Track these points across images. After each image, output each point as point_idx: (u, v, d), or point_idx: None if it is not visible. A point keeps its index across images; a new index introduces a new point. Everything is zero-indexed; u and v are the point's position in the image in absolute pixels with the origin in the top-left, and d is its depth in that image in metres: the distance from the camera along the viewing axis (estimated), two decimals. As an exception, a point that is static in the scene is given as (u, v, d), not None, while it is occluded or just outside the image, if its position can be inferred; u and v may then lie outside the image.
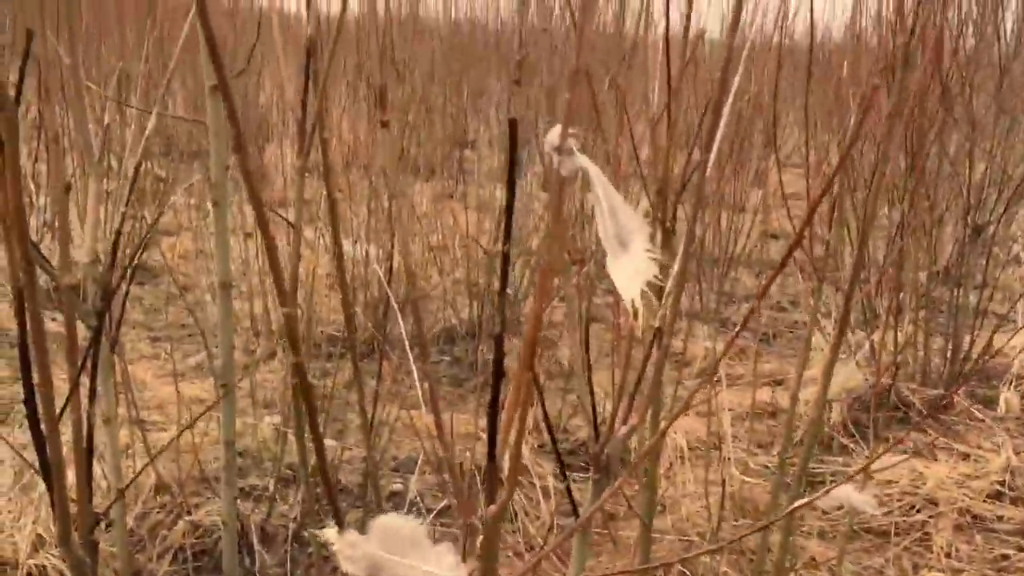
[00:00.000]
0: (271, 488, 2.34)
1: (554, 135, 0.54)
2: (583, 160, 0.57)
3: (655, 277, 0.54)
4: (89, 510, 0.77)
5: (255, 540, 2.18)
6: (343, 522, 0.53)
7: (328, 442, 2.38)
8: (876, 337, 3.10)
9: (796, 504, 0.73)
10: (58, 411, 0.72)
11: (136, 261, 1.21)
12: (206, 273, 3.57)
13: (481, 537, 0.73)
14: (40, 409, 0.66)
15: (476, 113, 5.42)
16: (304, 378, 0.45)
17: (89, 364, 0.91)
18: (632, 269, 0.54)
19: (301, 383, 0.46)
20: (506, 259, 0.63)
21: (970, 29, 3.01)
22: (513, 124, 0.61)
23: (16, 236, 0.60)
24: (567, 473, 1.63)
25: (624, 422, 1.11)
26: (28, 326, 0.62)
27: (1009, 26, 3.20)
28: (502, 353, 0.65)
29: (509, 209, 0.64)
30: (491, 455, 0.66)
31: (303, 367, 0.45)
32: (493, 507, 0.73)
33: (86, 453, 0.77)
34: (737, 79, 1.02)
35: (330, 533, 0.53)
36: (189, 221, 4.21)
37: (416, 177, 4.53)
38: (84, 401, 0.89)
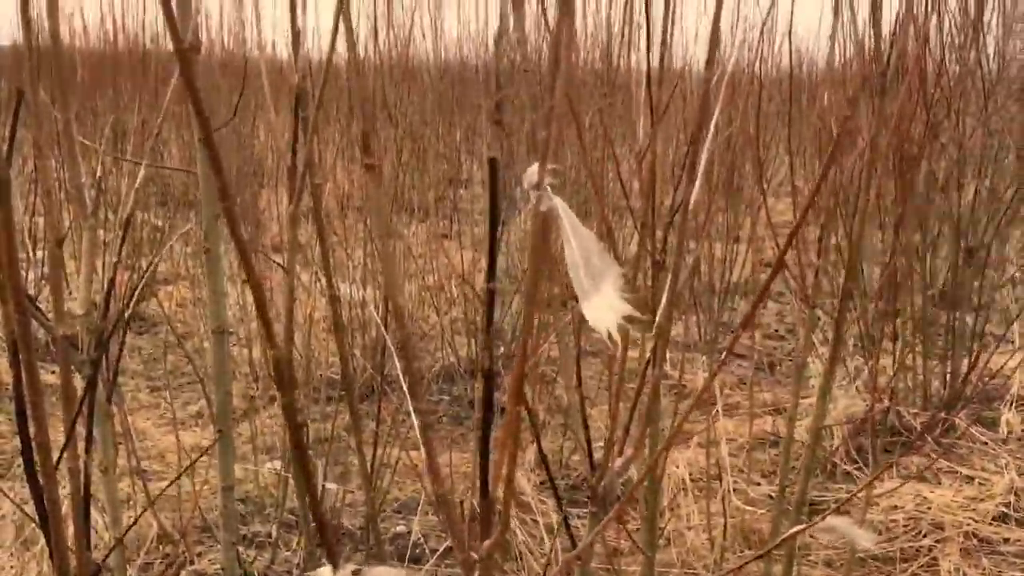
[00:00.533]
0: (274, 534, 2.34)
1: (533, 172, 0.55)
2: (555, 200, 0.58)
3: (627, 316, 0.54)
4: (87, 559, 0.77)
5: (258, 587, 2.17)
6: (338, 562, 0.54)
7: (329, 486, 2.38)
8: (874, 362, 3.10)
9: (791, 532, 0.73)
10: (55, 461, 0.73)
11: (132, 309, 1.22)
12: (204, 321, 3.58)
13: (477, 573, 0.74)
14: (37, 459, 0.66)
15: (469, 152, 5.46)
16: (293, 416, 0.46)
17: (85, 412, 0.91)
18: (605, 307, 0.54)
19: (290, 421, 0.46)
20: (491, 296, 0.64)
21: (953, 56, 3.05)
22: (494, 163, 0.63)
23: (10, 287, 0.61)
24: (566, 508, 1.63)
25: (620, 453, 1.11)
26: (23, 377, 0.63)
27: (991, 50, 3.24)
28: (492, 388, 0.66)
29: (492, 247, 0.65)
30: (483, 490, 0.66)
31: (293, 406, 0.46)
32: (488, 541, 0.74)
33: (83, 502, 0.78)
34: (717, 112, 1.04)
35: (324, 572, 0.53)
36: (186, 269, 4.23)
37: (411, 217, 4.56)
38: (81, 450, 0.90)
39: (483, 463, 0.65)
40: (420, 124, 4.35)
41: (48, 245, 0.79)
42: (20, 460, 2.61)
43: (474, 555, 0.77)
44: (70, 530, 0.85)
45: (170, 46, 4.48)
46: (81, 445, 0.87)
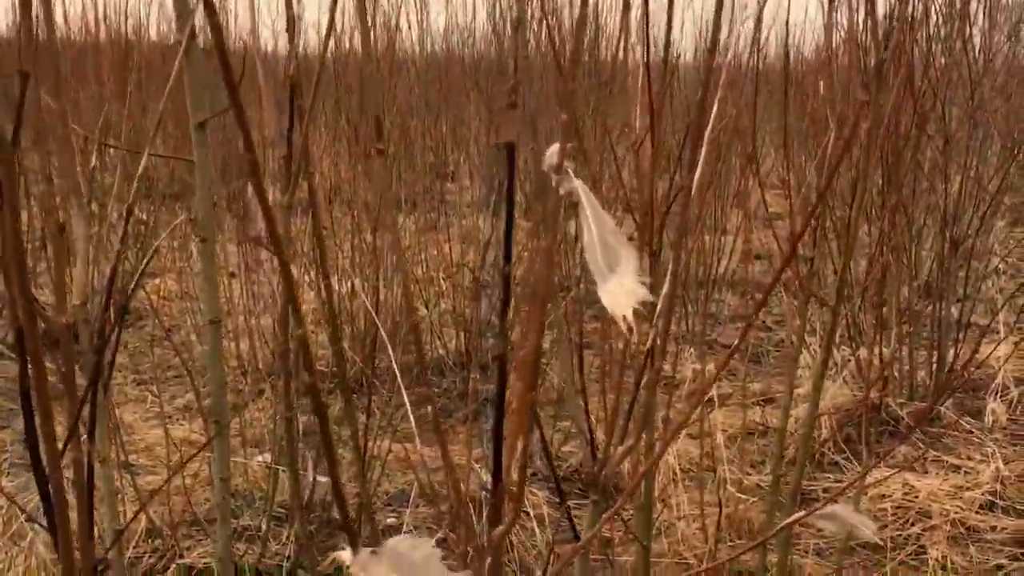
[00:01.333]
0: (264, 527, 2.32)
1: (552, 154, 0.55)
2: (576, 182, 0.58)
3: (641, 302, 0.54)
4: (91, 552, 0.76)
5: (250, 580, 2.16)
6: (357, 543, 0.54)
7: (320, 479, 2.38)
8: (862, 353, 3.12)
9: (792, 519, 0.73)
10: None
11: (128, 302, 1.21)
12: (191, 314, 3.56)
13: (488, 560, 0.73)
14: (43, 448, 0.66)
15: (456, 144, 5.44)
16: (317, 395, 0.46)
17: (88, 403, 0.90)
18: (621, 291, 0.54)
19: (315, 403, 0.46)
20: (507, 280, 0.64)
21: (939, 47, 3.07)
22: (511, 148, 0.62)
23: (15, 274, 0.60)
24: (565, 500, 1.63)
25: (621, 443, 1.11)
26: (28, 363, 0.62)
27: (977, 43, 3.26)
28: (506, 372, 0.66)
29: (508, 231, 0.64)
30: (496, 475, 0.66)
31: (316, 387, 0.46)
32: (499, 529, 0.73)
33: (87, 493, 0.77)
34: (716, 103, 1.04)
35: (344, 555, 0.53)
36: (172, 262, 4.20)
37: (399, 210, 4.54)
38: (85, 441, 0.89)
39: (496, 447, 0.64)
40: (407, 116, 4.33)
41: (48, 232, 0.78)
42: (3, 456, 2.57)
43: (480, 545, 0.76)
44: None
45: (153, 37, 4.42)
46: (84, 436, 0.86)
